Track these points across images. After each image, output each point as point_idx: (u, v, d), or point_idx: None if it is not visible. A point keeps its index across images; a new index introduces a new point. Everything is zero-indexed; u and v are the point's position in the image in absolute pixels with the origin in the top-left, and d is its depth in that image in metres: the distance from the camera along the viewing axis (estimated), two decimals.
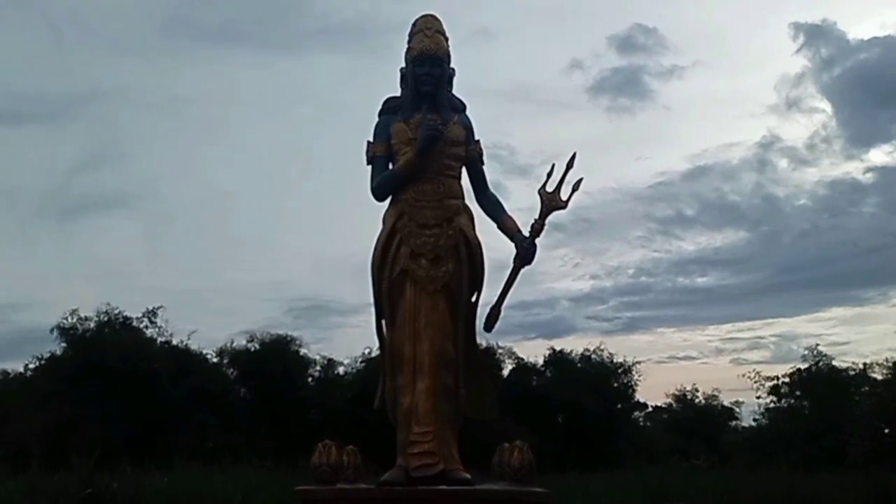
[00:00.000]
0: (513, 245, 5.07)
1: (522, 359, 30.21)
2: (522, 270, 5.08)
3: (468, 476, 4.64)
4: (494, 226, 5.22)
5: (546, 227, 5.06)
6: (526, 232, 5.05)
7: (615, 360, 30.83)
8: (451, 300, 4.93)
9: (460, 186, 5.16)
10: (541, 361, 30.49)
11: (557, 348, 30.85)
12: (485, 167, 5.29)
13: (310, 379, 27.95)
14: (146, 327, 27.21)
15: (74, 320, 25.84)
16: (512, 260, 5.07)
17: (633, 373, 30.94)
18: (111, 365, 24.29)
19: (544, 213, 5.04)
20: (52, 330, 25.62)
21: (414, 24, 5.11)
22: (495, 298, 5.07)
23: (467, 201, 5.20)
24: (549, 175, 5.07)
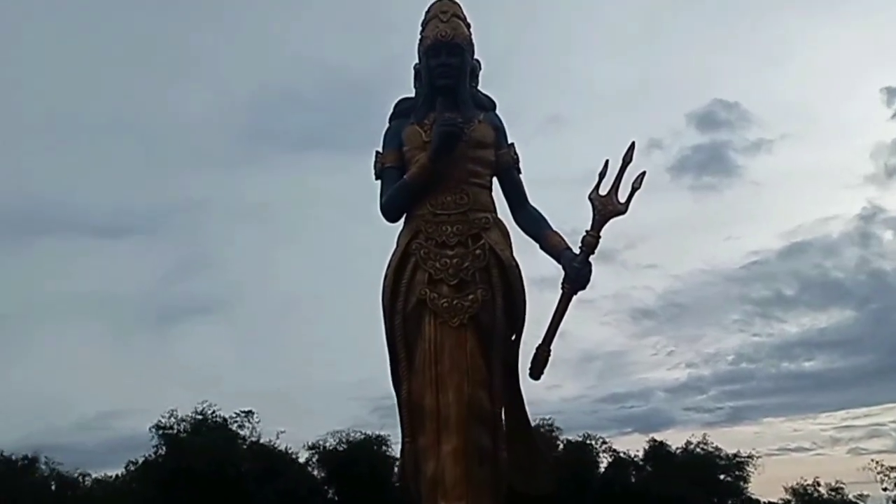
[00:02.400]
0: (560, 267, 3.99)
1: (619, 453, 28.86)
2: (575, 297, 3.97)
3: None
4: (536, 246, 4.16)
5: (602, 239, 3.96)
6: (576, 249, 3.97)
7: (722, 453, 29.05)
8: (482, 336, 3.86)
9: (490, 198, 4.16)
10: (640, 455, 29.17)
11: (657, 441, 29.38)
12: (522, 176, 4.28)
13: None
14: (239, 428, 27.39)
15: (173, 421, 26.36)
16: (560, 284, 3.97)
17: (749, 466, 29.02)
18: (200, 469, 24.39)
19: (599, 223, 3.95)
20: (150, 429, 26.10)
21: (427, 11, 4.24)
22: (542, 335, 3.97)
23: (501, 216, 4.19)
24: (603, 175, 4.01)
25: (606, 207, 3.95)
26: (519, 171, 4.27)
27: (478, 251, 3.92)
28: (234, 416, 27.30)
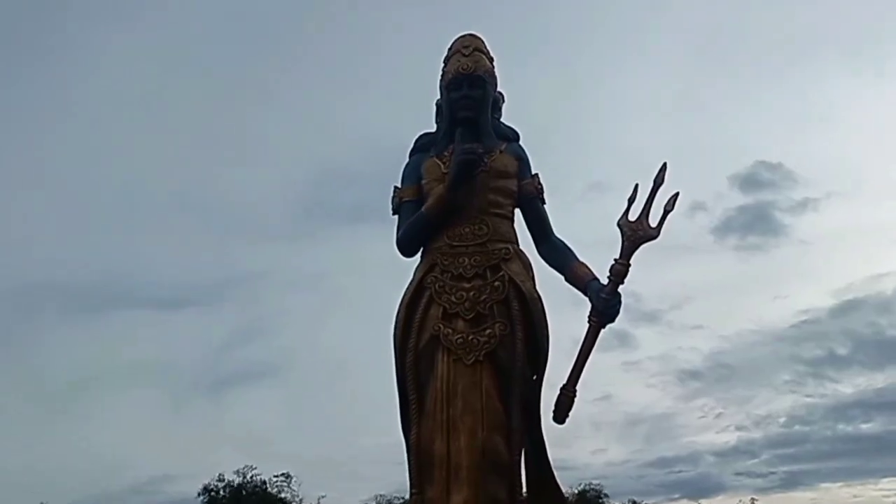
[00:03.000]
0: (587, 299, 3.63)
1: None
2: (602, 331, 3.60)
3: None
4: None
5: (632, 267, 3.60)
6: (604, 279, 3.62)
7: None
8: (500, 375, 3.51)
9: (512, 229, 3.87)
10: None
11: None
12: (546, 206, 3.99)
13: None
14: (279, 492, 27.33)
15: (220, 484, 26.55)
16: (587, 318, 3.61)
17: None
18: None
19: (629, 249, 3.60)
20: (198, 494, 26.38)
21: (450, 48, 4.09)
22: (567, 374, 3.59)
23: (524, 248, 3.89)
24: (632, 200, 3.68)
25: (637, 233, 3.60)
26: (543, 202, 3.99)
27: (496, 283, 3.61)
28: (273, 478, 27.32)
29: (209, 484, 26.66)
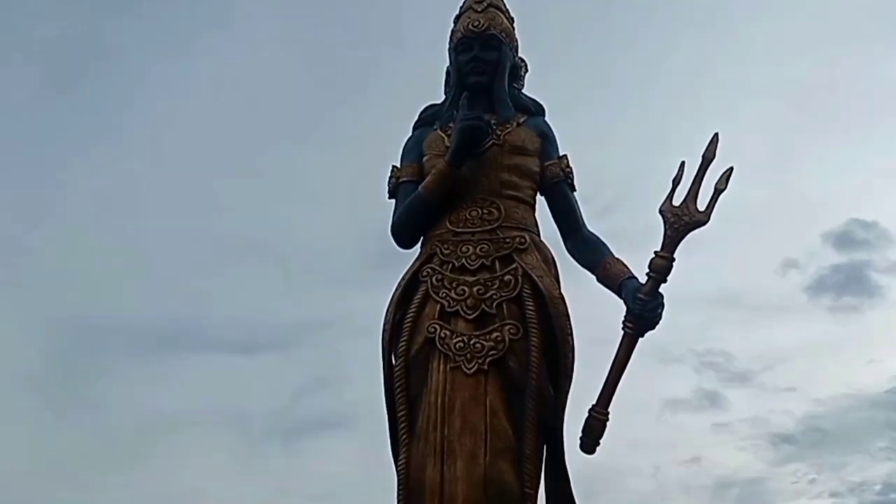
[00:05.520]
0: (622, 302, 2.96)
1: None
2: (641, 340, 2.91)
3: None
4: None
5: (675, 262, 2.92)
6: (643, 277, 2.94)
7: None
8: (509, 388, 2.84)
9: (531, 216, 3.23)
10: None
11: None
12: (577, 194, 3.35)
13: None
14: None
15: None
16: (622, 324, 2.93)
17: None
18: None
19: (672, 240, 2.91)
20: None
21: (461, 4, 3.51)
22: (599, 391, 2.91)
23: (546, 240, 3.25)
24: (677, 181, 3.01)
25: (681, 219, 2.92)
26: (573, 188, 3.35)
27: (507, 277, 2.96)
28: None
29: None
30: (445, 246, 3.07)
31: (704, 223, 2.91)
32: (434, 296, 2.97)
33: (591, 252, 3.18)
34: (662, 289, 2.90)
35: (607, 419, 2.87)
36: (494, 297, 2.92)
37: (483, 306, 2.91)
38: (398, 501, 2.83)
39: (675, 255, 2.90)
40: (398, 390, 2.92)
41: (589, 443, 2.87)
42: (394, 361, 2.99)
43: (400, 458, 2.85)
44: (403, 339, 2.95)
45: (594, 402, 2.90)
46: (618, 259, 3.11)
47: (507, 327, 2.87)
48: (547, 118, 3.47)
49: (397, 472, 2.88)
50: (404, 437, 2.85)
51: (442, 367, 2.84)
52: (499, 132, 3.20)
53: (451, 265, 3.01)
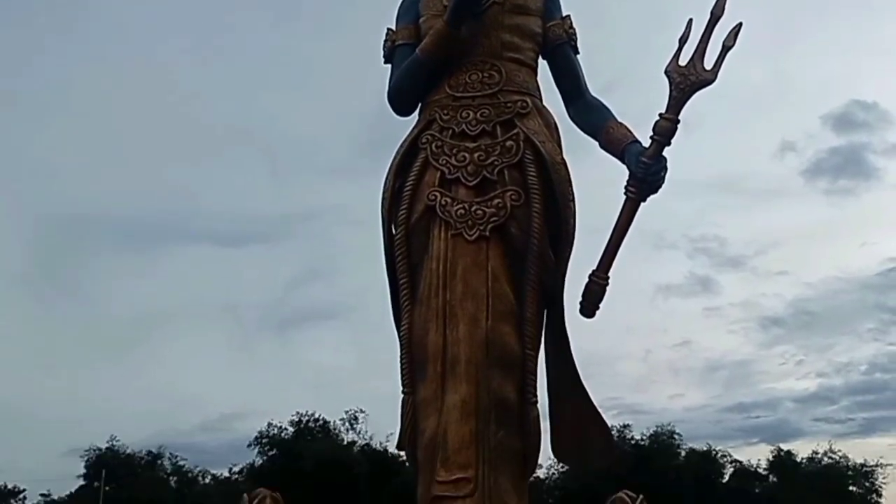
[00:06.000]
0: (625, 166, 2.92)
1: (742, 463, 28.31)
2: (644, 204, 2.89)
3: None
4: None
5: (679, 124, 2.86)
6: (646, 141, 2.89)
7: (850, 463, 27.88)
8: (510, 254, 2.84)
9: (533, 79, 3.15)
10: (763, 466, 28.59)
11: (783, 450, 28.33)
12: (580, 57, 3.25)
13: None
14: (345, 432, 27.60)
15: (273, 432, 26.90)
16: (624, 188, 2.90)
17: (879, 476, 27.66)
18: (308, 472, 24.57)
19: (678, 101, 2.85)
20: (249, 444, 26.82)
21: None
22: (600, 255, 2.91)
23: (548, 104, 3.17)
24: (684, 40, 2.90)
25: (688, 79, 2.84)
26: (576, 51, 3.24)
27: (508, 142, 2.91)
28: (341, 419, 27.64)
29: (263, 432, 27.19)
30: (445, 111, 2.99)
31: (711, 82, 2.83)
32: (434, 163, 2.93)
33: (594, 116, 3.12)
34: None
35: (607, 284, 2.89)
36: (496, 163, 2.88)
37: (484, 172, 2.87)
38: (401, 366, 2.89)
39: (679, 118, 2.84)
40: (399, 258, 2.92)
41: (588, 307, 2.90)
42: (394, 230, 2.97)
43: (402, 323, 2.88)
44: (403, 207, 2.92)
45: (594, 268, 2.91)
46: (621, 123, 3.05)
47: (508, 193, 2.84)
48: None
49: (399, 337, 2.92)
50: (406, 303, 2.88)
51: (443, 234, 2.83)
52: None
53: (450, 131, 2.96)
